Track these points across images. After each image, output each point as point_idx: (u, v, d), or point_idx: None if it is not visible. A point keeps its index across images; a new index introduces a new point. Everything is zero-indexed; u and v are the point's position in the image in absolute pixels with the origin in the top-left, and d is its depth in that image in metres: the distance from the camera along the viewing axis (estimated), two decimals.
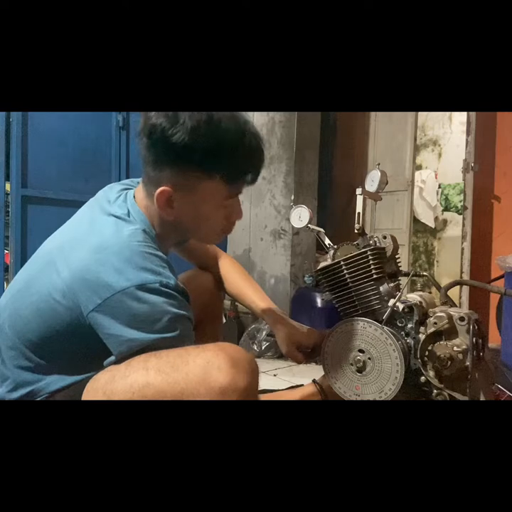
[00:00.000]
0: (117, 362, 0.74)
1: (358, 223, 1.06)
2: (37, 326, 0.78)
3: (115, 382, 0.71)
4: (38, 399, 0.79)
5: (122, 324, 0.73)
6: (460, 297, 2.57)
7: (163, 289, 0.75)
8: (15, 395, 0.80)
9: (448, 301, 1.09)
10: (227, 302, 2.66)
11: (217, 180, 0.81)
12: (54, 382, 0.79)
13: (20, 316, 0.81)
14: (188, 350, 0.74)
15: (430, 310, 1.00)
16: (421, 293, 1.07)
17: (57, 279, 0.78)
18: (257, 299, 1.16)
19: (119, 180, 3.44)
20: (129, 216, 0.84)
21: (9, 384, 0.81)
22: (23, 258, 2.65)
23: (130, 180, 0.99)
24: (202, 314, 1.11)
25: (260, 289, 1.19)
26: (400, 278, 1.09)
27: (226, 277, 1.19)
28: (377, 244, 1.05)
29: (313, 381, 1.10)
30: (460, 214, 3.65)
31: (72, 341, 0.78)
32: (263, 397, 0.95)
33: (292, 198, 2.80)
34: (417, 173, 3.86)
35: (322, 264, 1.07)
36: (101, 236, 0.79)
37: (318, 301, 2.58)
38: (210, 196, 0.83)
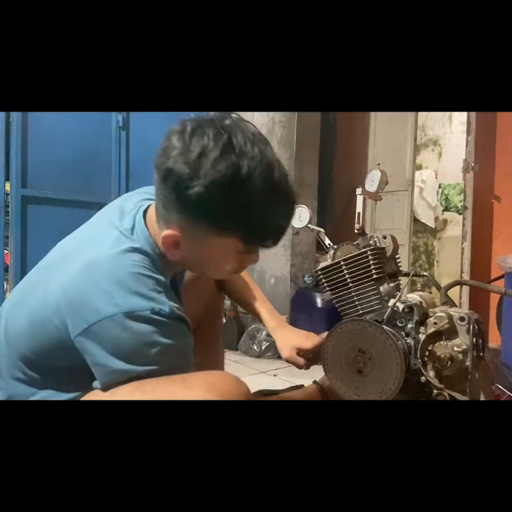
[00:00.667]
0: (103, 389, 0.71)
1: (358, 223, 1.06)
2: (27, 341, 0.75)
3: None
4: None
5: (107, 353, 0.68)
6: (460, 297, 2.57)
7: (154, 316, 0.69)
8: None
9: (448, 301, 1.09)
10: (227, 302, 2.65)
11: (232, 238, 0.72)
12: (48, 397, 0.76)
13: (14, 327, 0.78)
14: (174, 386, 0.69)
15: (430, 310, 1.00)
16: (421, 293, 1.07)
17: (49, 294, 0.73)
18: (256, 302, 1.15)
19: (119, 180, 3.43)
20: (132, 233, 0.77)
21: (2, 395, 0.78)
22: (22, 258, 2.65)
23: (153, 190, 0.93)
24: (202, 314, 1.11)
25: (261, 293, 1.18)
26: (399, 278, 1.09)
27: (227, 280, 1.18)
28: (377, 244, 1.05)
29: (314, 382, 1.10)
30: (460, 214, 3.65)
31: (62, 359, 0.74)
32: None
33: None
34: (417, 173, 3.86)
35: (322, 264, 1.07)
36: (96, 251, 0.74)
37: (318, 301, 2.58)
38: (222, 250, 0.75)
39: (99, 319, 0.68)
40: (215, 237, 0.72)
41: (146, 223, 0.79)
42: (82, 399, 0.73)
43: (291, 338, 1.09)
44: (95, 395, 0.72)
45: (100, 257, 0.73)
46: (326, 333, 1.04)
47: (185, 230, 0.72)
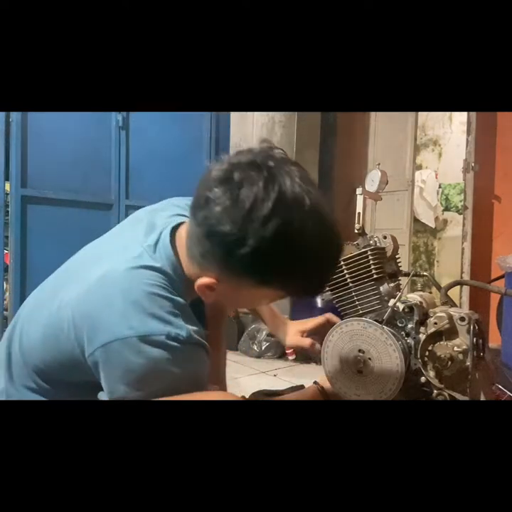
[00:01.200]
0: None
1: (358, 223, 1.06)
2: (42, 353, 0.74)
3: None
4: None
5: (117, 377, 0.66)
6: (460, 297, 2.57)
7: (169, 342, 0.66)
8: None
9: (448, 301, 1.09)
10: None
11: (277, 289, 0.69)
12: None
13: (28, 337, 0.76)
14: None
15: (430, 310, 1.00)
16: (421, 293, 1.07)
17: (64, 305, 0.71)
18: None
19: (119, 180, 3.42)
20: (154, 250, 0.73)
21: None
22: (22, 258, 2.65)
23: (187, 203, 0.83)
24: (208, 314, 1.11)
25: None
26: (400, 278, 1.09)
27: None
28: (378, 244, 1.05)
29: (315, 383, 1.10)
30: (460, 214, 3.65)
31: (73, 373, 0.72)
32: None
33: None
34: (417, 173, 3.86)
35: None
36: (114, 264, 0.71)
37: (318, 301, 2.58)
38: (262, 297, 0.74)
39: (112, 340, 0.65)
40: (258, 288, 0.68)
41: (173, 241, 0.75)
42: None
43: (293, 326, 1.10)
44: None
45: (117, 272, 0.70)
46: (328, 314, 1.04)
47: (225, 281, 0.68)
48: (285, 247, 0.62)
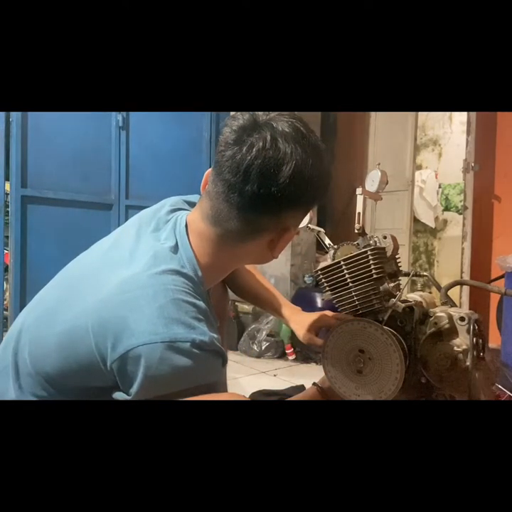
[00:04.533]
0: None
1: (358, 223, 1.06)
2: (56, 361, 0.71)
3: None
4: None
5: (138, 383, 0.65)
6: (460, 297, 2.57)
7: (194, 350, 0.66)
8: None
9: (448, 301, 1.09)
10: None
11: (291, 230, 0.78)
12: None
13: (41, 345, 0.73)
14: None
15: (430, 310, 1.00)
16: (421, 293, 1.07)
17: (83, 313, 0.69)
18: (267, 294, 1.16)
19: (119, 180, 3.42)
20: (175, 251, 0.74)
21: None
22: (22, 258, 2.65)
23: (183, 200, 0.92)
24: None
25: (269, 283, 1.18)
26: (400, 278, 1.09)
27: (241, 279, 1.17)
28: (378, 244, 1.05)
29: (314, 384, 1.10)
30: (460, 214, 3.65)
31: (89, 380, 0.71)
32: None
33: None
34: (417, 173, 3.86)
35: (322, 264, 1.07)
36: (136, 271, 0.71)
37: (318, 301, 2.58)
38: (283, 243, 0.79)
39: (137, 345, 0.64)
40: (298, 219, 0.78)
41: (189, 241, 0.77)
42: None
43: (306, 321, 1.09)
44: None
45: (142, 280, 0.69)
46: (339, 314, 1.04)
47: (284, 226, 0.76)
48: (313, 169, 0.73)
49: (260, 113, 0.75)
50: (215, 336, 0.70)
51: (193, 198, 0.94)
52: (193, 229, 0.78)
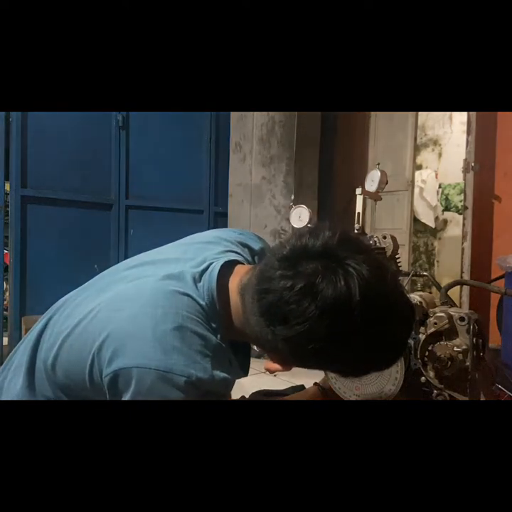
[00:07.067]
0: None
1: (358, 223, 1.06)
2: (65, 365, 0.71)
3: None
4: None
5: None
6: (460, 297, 2.57)
7: (187, 386, 0.62)
8: None
9: (448, 301, 1.09)
10: None
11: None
12: None
13: (55, 344, 0.72)
14: None
15: (430, 310, 1.00)
16: (421, 293, 1.07)
17: (96, 322, 0.68)
18: None
19: (119, 180, 3.40)
20: (200, 280, 0.70)
21: None
22: (22, 258, 2.65)
23: (238, 242, 0.83)
24: None
25: None
26: (400, 278, 1.09)
27: None
28: (377, 244, 1.05)
29: (315, 384, 1.10)
30: (460, 214, 3.65)
31: (90, 392, 0.69)
32: None
33: (292, 198, 2.79)
34: (417, 173, 3.86)
35: None
36: (153, 283, 0.69)
37: None
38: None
39: (131, 366, 0.63)
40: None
41: (220, 277, 0.70)
42: None
43: None
44: None
45: (153, 292, 0.67)
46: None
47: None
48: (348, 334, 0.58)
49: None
50: (221, 375, 0.65)
51: (248, 239, 0.86)
52: (234, 269, 0.73)
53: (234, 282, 0.71)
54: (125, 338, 0.64)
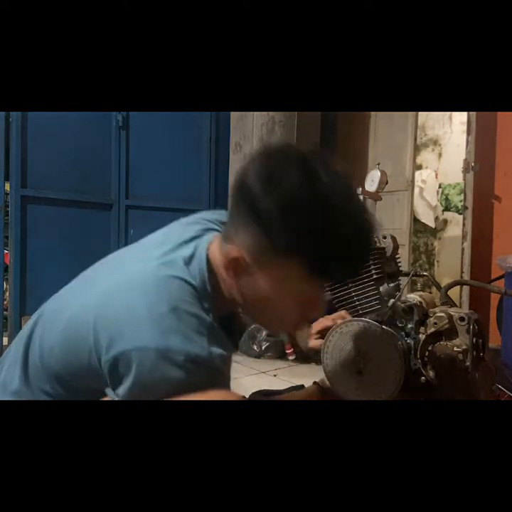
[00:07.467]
0: None
1: None
2: (60, 357, 0.71)
3: None
4: None
5: (127, 387, 0.65)
6: (460, 297, 2.57)
7: (187, 363, 0.64)
8: None
9: (448, 301, 1.09)
10: None
11: (297, 263, 0.67)
12: None
13: (47, 339, 0.73)
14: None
15: (430, 310, 1.00)
16: (421, 293, 1.07)
17: (86, 308, 0.69)
18: None
19: (119, 180, 3.41)
20: (190, 262, 0.72)
21: None
22: (22, 258, 2.65)
23: (220, 221, 0.86)
24: None
25: None
26: (400, 278, 1.09)
27: None
28: (377, 244, 1.05)
29: (315, 383, 1.10)
30: (460, 214, 3.65)
31: (90, 381, 0.70)
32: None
33: None
34: (417, 173, 3.86)
35: None
36: (145, 269, 0.70)
37: None
38: (283, 277, 0.69)
39: (130, 349, 0.64)
40: (279, 257, 0.67)
41: (208, 256, 0.74)
42: None
43: (306, 329, 1.08)
44: None
45: (146, 279, 0.68)
46: (343, 311, 1.03)
47: (250, 251, 0.68)
48: (307, 204, 0.64)
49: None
50: (218, 351, 0.67)
51: (224, 217, 0.88)
52: (214, 247, 0.75)
53: (218, 256, 0.74)
54: (121, 323, 0.65)
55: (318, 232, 0.65)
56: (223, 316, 0.75)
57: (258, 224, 0.66)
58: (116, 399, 0.67)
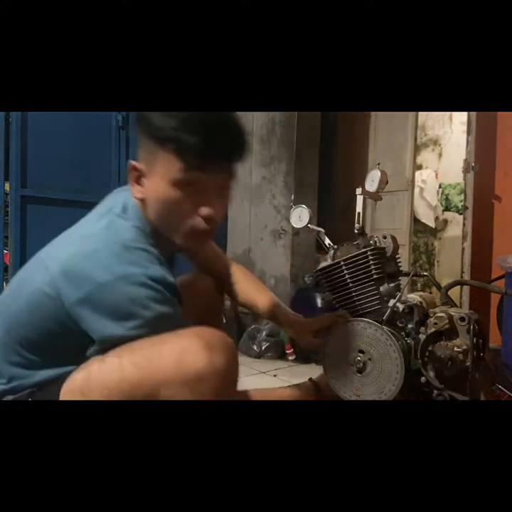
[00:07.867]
0: (99, 353, 0.75)
1: (358, 223, 1.06)
2: (27, 321, 0.78)
3: (91, 381, 0.71)
4: (28, 391, 0.78)
5: (103, 318, 0.72)
6: (460, 297, 2.57)
7: (148, 282, 0.73)
8: (5, 387, 0.79)
9: (448, 301, 1.09)
10: (227, 303, 2.65)
11: (170, 151, 0.75)
12: (47, 377, 0.78)
13: (10, 313, 0.81)
14: (162, 338, 0.73)
15: (430, 310, 1.00)
16: (421, 293, 1.07)
17: (45, 272, 0.77)
18: (263, 299, 1.13)
19: (119, 181, 3.42)
20: (124, 212, 0.83)
21: (1, 379, 0.80)
22: (22, 258, 2.65)
23: None
24: (201, 316, 1.10)
25: (271, 294, 1.15)
26: (400, 278, 1.09)
27: (237, 286, 1.15)
28: (378, 244, 1.04)
29: (310, 380, 1.09)
30: (460, 214, 3.65)
31: (61, 334, 0.77)
32: (255, 393, 0.94)
33: (292, 198, 2.79)
34: (417, 173, 3.86)
35: (322, 264, 1.07)
36: (91, 230, 0.80)
37: (318, 302, 2.58)
38: (164, 170, 0.77)
39: (94, 287, 0.71)
40: (157, 151, 0.76)
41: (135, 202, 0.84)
42: (75, 371, 0.75)
43: (304, 327, 1.08)
44: (85, 367, 0.74)
45: (97, 234, 0.78)
46: (343, 311, 1.03)
47: (142, 157, 0.80)
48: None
49: None
50: (171, 279, 0.77)
51: None
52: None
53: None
54: (80, 270, 0.73)
55: (186, 122, 0.74)
56: (167, 257, 0.85)
57: (144, 131, 0.78)
58: (97, 347, 0.74)
